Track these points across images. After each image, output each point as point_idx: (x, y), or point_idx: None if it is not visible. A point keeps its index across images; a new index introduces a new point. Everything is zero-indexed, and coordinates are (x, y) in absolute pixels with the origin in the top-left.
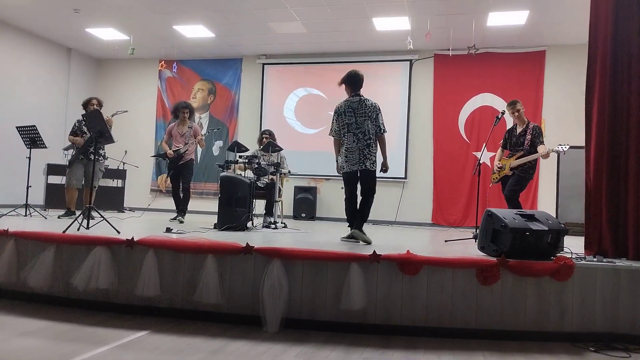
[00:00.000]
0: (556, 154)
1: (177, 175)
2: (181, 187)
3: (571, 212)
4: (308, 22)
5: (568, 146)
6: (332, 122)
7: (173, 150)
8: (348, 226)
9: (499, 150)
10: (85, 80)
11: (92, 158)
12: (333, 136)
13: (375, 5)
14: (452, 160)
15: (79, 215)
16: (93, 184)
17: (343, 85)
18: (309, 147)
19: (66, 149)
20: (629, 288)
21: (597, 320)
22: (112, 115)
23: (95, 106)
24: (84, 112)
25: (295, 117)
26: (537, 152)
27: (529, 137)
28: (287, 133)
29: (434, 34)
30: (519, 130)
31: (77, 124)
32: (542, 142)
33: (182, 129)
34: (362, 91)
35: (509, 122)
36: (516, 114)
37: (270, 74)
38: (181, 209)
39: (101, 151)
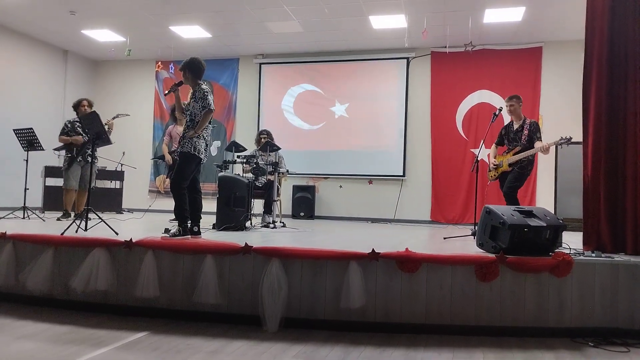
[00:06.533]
0: (555, 147)
1: None
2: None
3: (569, 207)
4: (305, 21)
5: (569, 138)
6: (210, 97)
7: (173, 151)
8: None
9: (493, 147)
10: (82, 82)
11: (90, 160)
12: (213, 110)
13: (372, 3)
14: (450, 158)
15: (77, 217)
16: (90, 185)
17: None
18: (307, 146)
19: (57, 149)
20: (627, 283)
21: (596, 316)
22: (113, 119)
23: (86, 107)
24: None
25: (294, 114)
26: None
27: (526, 132)
28: (286, 132)
29: (431, 31)
30: (515, 126)
31: (69, 125)
32: (539, 138)
33: (181, 129)
34: (361, 88)
35: (507, 118)
36: (511, 108)
37: (267, 73)
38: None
39: (95, 153)
